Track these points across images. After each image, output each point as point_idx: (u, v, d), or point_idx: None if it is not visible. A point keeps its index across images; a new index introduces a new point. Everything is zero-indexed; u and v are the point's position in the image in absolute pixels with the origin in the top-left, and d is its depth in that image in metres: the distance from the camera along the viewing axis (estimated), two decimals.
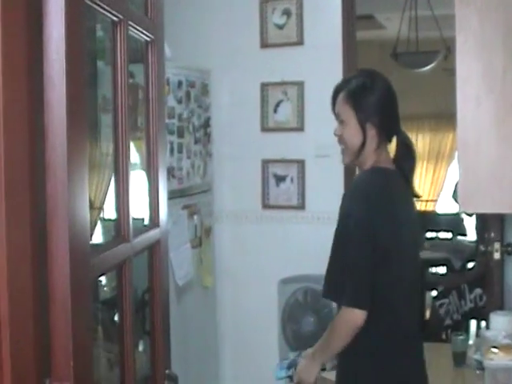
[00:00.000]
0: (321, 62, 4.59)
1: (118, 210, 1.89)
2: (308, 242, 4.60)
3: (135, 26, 1.96)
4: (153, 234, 2.19)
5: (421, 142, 11.55)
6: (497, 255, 4.52)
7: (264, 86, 4.80)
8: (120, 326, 1.93)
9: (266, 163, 4.84)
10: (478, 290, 5.20)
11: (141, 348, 2.99)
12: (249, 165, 4.87)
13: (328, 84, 3.03)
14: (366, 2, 6.79)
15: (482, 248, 4.67)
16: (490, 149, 1.51)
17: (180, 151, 4.30)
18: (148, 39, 2.15)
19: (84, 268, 1.46)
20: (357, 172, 3.03)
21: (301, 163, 4.71)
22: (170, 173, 4.12)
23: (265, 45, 4.78)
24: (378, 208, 2.69)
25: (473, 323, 5.50)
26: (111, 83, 1.88)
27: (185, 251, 4.30)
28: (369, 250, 2.64)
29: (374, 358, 2.73)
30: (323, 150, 4.46)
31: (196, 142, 4.53)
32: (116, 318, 2.45)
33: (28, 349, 1.24)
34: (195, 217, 4.52)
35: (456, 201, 5.71)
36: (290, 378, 3.02)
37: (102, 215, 4.01)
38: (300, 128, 4.70)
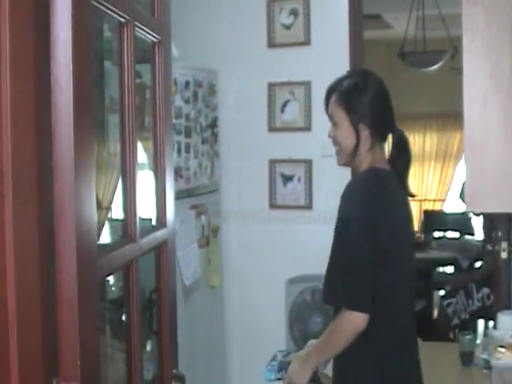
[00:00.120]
0: (328, 62, 4.59)
1: (125, 210, 1.89)
2: (315, 242, 4.59)
3: (142, 26, 1.97)
4: (160, 234, 2.19)
5: (428, 141, 11.54)
6: (504, 254, 4.51)
7: (271, 86, 4.80)
8: (127, 326, 1.94)
9: (273, 163, 4.84)
10: (486, 290, 5.20)
11: (148, 348, 2.99)
12: (256, 165, 4.87)
13: None
14: (373, 1, 6.80)
15: (489, 247, 4.67)
16: (497, 148, 1.51)
17: (187, 151, 4.30)
18: (155, 40, 2.15)
19: (91, 268, 1.47)
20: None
21: (308, 163, 4.71)
22: (178, 173, 4.13)
23: (272, 45, 4.78)
24: (377, 209, 2.69)
25: (480, 323, 5.49)
26: (118, 84, 1.88)
27: (192, 251, 4.30)
28: (369, 252, 2.64)
29: (374, 358, 2.73)
30: (330, 150, 4.44)
31: (203, 141, 4.54)
32: (124, 317, 2.46)
33: (35, 348, 1.25)
34: (202, 217, 4.52)
35: (463, 200, 5.70)
36: (280, 380, 2.99)
37: (109, 215, 4.01)
38: (307, 128, 4.70)
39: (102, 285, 2.30)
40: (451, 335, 5.27)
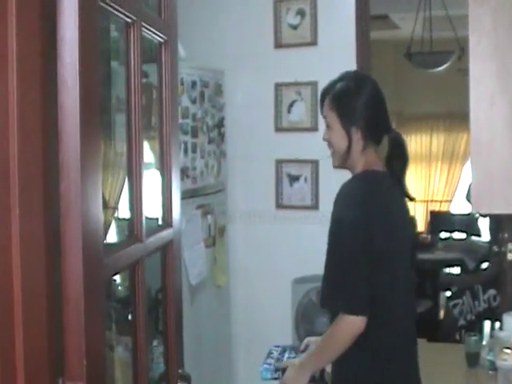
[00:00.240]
0: (334, 63, 4.58)
1: (131, 209, 1.90)
2: (321, 242, 4.55)
3: (149, 26, 1.97)
4: (166, 233, 2.19)
5: (435, 142, 11.54)
6: (510, 256, 4.50)
7: (278, 86, 4.80)
8: (133, 325, 1.94)
9: (279, 163, 4.84)
10: (492, 291, 5.19)
11: (154, 347, 2.99)
12: (262, 165, 4.87)
13: None
14: (380, 1, 6.79)
15: (495, 249, 4.67)
16: (503, 149, 1.51)
17: (194, 151, 4.30)
18: (161, 40, 2.16)
19: (97, 267, 1.47)
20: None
21: (314, 163, 4.70)
22: (184, 172, 4.13)
23: (279, 45, 4.78)
24: (371, 212, 2.69)
25: (486, 324, 5.48)
26: (125, 84, 1.89)
27: (198, 250, 4.30)
28: (364, 254, 2.64)
29: (373, 359, 2.73)
30: None
31: (210, 141, 4.54)
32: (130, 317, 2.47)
33: (41, 348, 1.25)
34: (209, 216, 4.53)
35: (470, 202, 5.69)
36: (276, 379, 2.98)
37: (116, 215, 4.02)
38: (314, 128, 4.69)
39: (109, 284, 2.30)
40: (457, 336, 5.26)
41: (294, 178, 4.82)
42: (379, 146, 2.87)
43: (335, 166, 2.95)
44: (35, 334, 1.22)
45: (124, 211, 3.81)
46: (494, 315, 5.04)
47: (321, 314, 4.42)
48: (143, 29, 1.91)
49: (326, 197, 4.70)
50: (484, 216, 8.00)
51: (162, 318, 2.33)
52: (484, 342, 3.97)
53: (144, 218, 1.90)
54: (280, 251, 4.85)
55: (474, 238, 9.04)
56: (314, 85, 4.68)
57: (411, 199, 3.00)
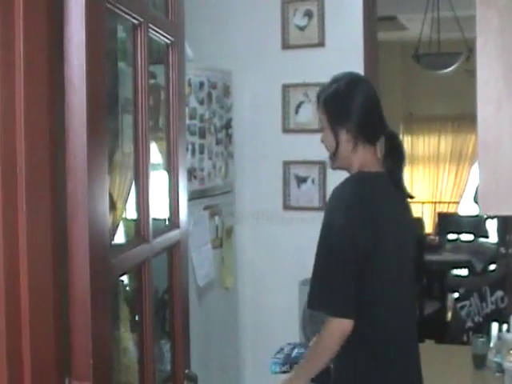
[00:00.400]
0: (342, 64, 4.57)
1: (137, 210, 1.90)
2: None
3: (155, 28, 1.97)
4: (173, 234, 2.20)
5: (443, 143, 11.52)
6: None
7: (285, 87, 4.80)
8: (140, 326, 1.95)
9: (287, 164, 4.83)
10: (500, 293, 5.18)
11: (161, 347, 3.00)
12: (270, 166, 4.87)
13: None
14: (388, 3, 6.79)
15: (503, 250, 4.66)
16: (510, 151, 1.51)
17: (201, 152, 4.31)
18: (168, 41, 2.16)
19: (104, 267, 1.47)
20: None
21: (322, 164, 4.70)
22: (192, 173, 4.13)
23: (286, 46, 4.78)
24: (359, 216, 2.71)
25: (494, 326, 5.47)
26: (132, 85, 1.89)
27: (206, 252, 4.30)
28: (351, 259, 2.67)
29: (372, 361, 2.75)
30: None
31: (217, 142, 4.54)
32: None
33: (48, 348, 1.25)
34: (216, 217, 4.53)
35: (477, 203, 5.66)
36: (285, 373, 3.01)
37: (124, 215, 4.02)
38: (321, 130, 4.69)
39: (115, 284, 2.30)
40: (465, 338, 5.26)
41: (301, 180, 4.81)
42: (375, 146, 2.88)
43: (332, 167, 3.00)
44: (42, 333, 1.22)
45: (132, 212, 3.81)
46: (502, 317, 5.04)
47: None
48: (150, 30, 1.91)
49: None
50: (492, 218, 7.99)
51: (168, 318, 2.33)
52: (491, 344, 3.96)
53: (151, 219, 1.90)
54: (287, 252, 4.84)
55: (481, 239, 9.02)
56: (321, 86, 4.67)
57: (410, 197, 3.00)
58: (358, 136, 2.81)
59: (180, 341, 2.25)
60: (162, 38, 2.11)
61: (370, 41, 4.62)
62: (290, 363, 2.98)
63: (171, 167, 2.21)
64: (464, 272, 8.09)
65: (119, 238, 3.54)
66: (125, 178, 3.78)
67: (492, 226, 8.96)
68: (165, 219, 2.29)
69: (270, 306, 4.92)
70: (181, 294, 2.25)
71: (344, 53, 4.60)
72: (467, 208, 10.96)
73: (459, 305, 5.35)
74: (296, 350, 3.14)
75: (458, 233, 9.48)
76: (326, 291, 2.72)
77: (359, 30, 4.59)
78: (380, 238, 2.73)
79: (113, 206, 3.17)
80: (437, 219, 10.40)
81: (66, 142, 1.34)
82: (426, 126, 11.55)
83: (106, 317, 1.51)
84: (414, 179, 11.57)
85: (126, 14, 1.73)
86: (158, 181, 2.27)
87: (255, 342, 4.99)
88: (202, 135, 4.31)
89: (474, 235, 9.23)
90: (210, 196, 4.44)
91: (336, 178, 4.69)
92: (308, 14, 4.68)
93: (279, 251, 4.88)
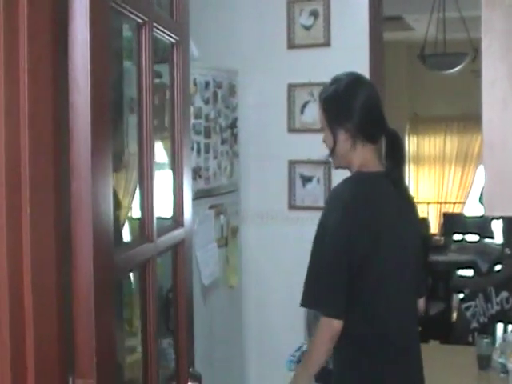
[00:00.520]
0: (348, 64, 4.56)
1: (142, 209, 1.90)
2: None
3: (160, 27, 1.98)
4: (177, 233, 2.20)
5: (449, 143, 11.52)
6: None
7: (291, 87, 4.81)
8: (144, 325, 1.95)
9: (292, 164, 4.84)
10: (505, 293, 5.17)
11: (165, 346, 3.00)
12: (275, 165, 4.88)
13: None
14: (394, 3, 6.78)
15: (508, 251, 4.65)
16: None
17: (207, 151, 4.31)
18: (173, 40, 2.17)
19: (108, 266, 1.48)
20: None
21: (327, 164, 4.69)
22: (197, 173, 4.14)
23: (292, 46, 4.78)
24: (356, 216, 2.73)
25: (499, 326, 5.47)
26: (136, 84, 1.90)
27: (211, 250, 4.31)
28: (344, 260, 2.69)
29: (372, 360, 2.78)
30: None
31: (223, 142, 4.55)
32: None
33: (51, 346, 1.26)
34: (221, 217, 4.53)
35: (482, 204, 5.65)
36: None
37: (130, 214, 4.03)
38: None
39: (119, 283, 2.31)
40: (470, 338, 5.25)
41: (306, 179, 4.82)
42: (376, 145, 2.89)
43: (335, 167, 3.03)
44: (45, 331, 1.23)
45: (137, 211, 3.81)
46: (507, 318, 5.03)
47: None
48: (155, 29, 1.92)
49: None
50: (497, 218, 7.98)
51: (172, 316, 2.34)
52: (496, 345, 3.96)
53: (155, 218, 1.90)
54: (292, 252, 4.84)
55: (487, 240, 9.02)
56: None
57: (410, 198, 3.01)
58: (356, 135, 2.83)
59: (184, 339, 2.26)
60: (167, 37, 2.12)
61: (375, 41, 4.62)
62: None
63: (176, 166, 2.21)
64: (469, 273, 8.08)
65: (125, 236, 3.54)
66: (130, 177, 3.79)
67: (497, 227, 8.96)
68: (169, 218, 2.29)
69: (274, 305, 4.92)
70: (185, 293, 2.26)
71: (350, 53, 4.60)
72: (473, 208, 10.95)
73: (464, 305, 5.34)
74: None
75: (464, 233, 9.47)
76: (318, 291, 2.75)
77: (365, 30, 4.59)
78: (379, 237, 2.74)
79: (118, 205, 3.18)
80: (442, 220, 10.40)
81: (70, 141, 1.34)
82: (432, 126, 11.54)
83: (110, 315, 1.51)
84: (420, 179, 11.57)
85: (131, 13, 1.74)
86: (164, 180, 2.27)
87: (259, 340, 4.99)
88: (208, 135, 4.32)
89: (480, 236, 9.22)
90: (215, 195, 4.45)
91: (341, 177, 4.70)
92: (314, 14, 4.68)
93: (284, 250, 4.88)
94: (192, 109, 4.05)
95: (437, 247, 8.21)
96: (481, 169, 11.06)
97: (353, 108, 2.82)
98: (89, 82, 1.34)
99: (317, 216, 4.75)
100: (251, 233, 4.98)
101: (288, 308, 4.80)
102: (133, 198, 3.89)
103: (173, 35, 2.13)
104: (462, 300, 5.62)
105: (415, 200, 3.06)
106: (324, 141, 2.96)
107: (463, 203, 11.47)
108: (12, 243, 1.13)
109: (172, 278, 2.25)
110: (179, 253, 2.22)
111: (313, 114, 4.74)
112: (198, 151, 4.21)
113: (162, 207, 2.08)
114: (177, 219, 2.23)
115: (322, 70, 4.66)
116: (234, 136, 4.74)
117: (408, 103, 11.46)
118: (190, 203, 2.30)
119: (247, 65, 4.86)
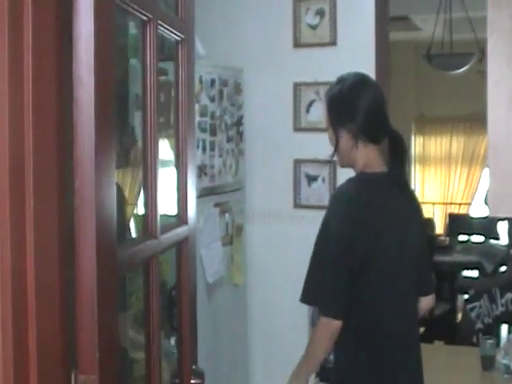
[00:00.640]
0: (354, 63, 4.57)
1: (145, 206, 1.91)
2: None
3: (165, 25, 1.98)
4: (181, 231, 2.20)
5: (455, 144, 11.49)
6: None
7: (297, 86, 4.80)
8: (147, 322, 1.95)
9: (297, 163, 4.84)
10: (510, 295, 5.16)
11: (168, 343, 3.01)
12: (281, 164, 4.88)
13: None
14: (401, 3, 6.78)
15: None
16: None
17: (212, 149, 4.31)
18: (178, 38, 2.17)
19: (111, 262, 1.48)
20: None
21: (332, 164, 4.69)
22: (202, 170, 4.14)
23: (298, 45, 4.78)
24: (358, 216, 2.73)
25: (504, 327, 5.46)
26: (140, 82, 1.90)
27: (216, 249, 4.31)
28: (345, 260, 2.70)
29: (372, 360, 2.78)
30: None
31: (228, 140, 4.55)
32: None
33: (54, 341, 1.26)
34: (227, 215, 4.54)
35: (488, 205, 5.63)
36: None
37: (136, 211, 4.03)
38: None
39: (123, 279, 2.31)
40: (474, 339, 5.24)
41: (311, 178, 4.82)
42: (379, 146, 2.89)
43: (340, 166, 3.04)
44: (48, 327, 1.23)
45: (142, 208, 3.82)
46: None
47: None
48: (160, 27, 1.92)
49: None
50: (503, 220, 7.97)
51: (176, 314, 2.34)
52: (501, 346, 3.95)
53: (158, 215, 1.91)
54: (297, 251, 4.84)
55: (492, 241, 9.00)
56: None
57: (414, 198, 3.01)
58: (358, 136, 2.83)
59: (187, 336, 2.26)
60: (172, 34, 2.12)
61: (381, 40, 4.62)
62: None
63: (180, 163, 2.21)
64: (474, 273, 8.07)
65: (130, 233, 3.55)
66: (136, 174, 3.80)
67: (503, 228, 8.94)
68: (174, 215, 2.29)
69: (279, 303, 4.92)
70: (188, 290, 2.26)
71: (356, 52, 4.60)
72: (478, 209, 10.93)
73: (469, 306, 5.33)
74: None
75: (469, 234, 9.46)
76: (318, 289, 2.77)
77: (371, 30, 4.58)
78: (380, 238, 2.74)
79: (124, 201, 3.19)
80: (448, 220, 10.38)
81: (74, 137, 1.34)
82: (438, 126, 11.51)
83: (113, 311, 1.52)
84: (426, 180, 11.55)
85: (136, 10, 1.74)
86: (169, 177, 2.27)
87: (264, 339, 4.99)
88: (213, 132, 4.32)
89: (485, 237, 9.21)
90: (221, 193, 4.45)
91: (346, 177, 4.70)
92: (320, 13, 4.68)
93: (289, 249, 4.88)
94: (198, 106, 4.05)
95: (442, 248, 8.20)
96: (487, 170, 11.06)
97: (356, 109, 2.82)
98: (93, 78, 1.35)
99: (321, 215, 4.74)
100: (256, 231, 4.98)
101: (293, 306, 4.80)
102: (139, 194, 3.90)
103: (178, 33, 2.14)
104: (466, 301, 5.61)
105: (421, 200, 3.06)
106: (329, 139, 2.96)
107: (469, 204, 11.45)
108: (15, 239, 1.14)
109: (176, 276, 2.25)
110: (183, 250, 2.22)
111: (318, 113, 4.73)
112: (204, 149, 4.21)
113: (167, 204, 2.08)
114: (181, 216, 2.23)
115: (328, 69, 4.67)
116: (240, 134, 4.74)
117: (414, 103, 11.44)
118: (194, 201, 2.30)
119: (253, 63, 4.86)
